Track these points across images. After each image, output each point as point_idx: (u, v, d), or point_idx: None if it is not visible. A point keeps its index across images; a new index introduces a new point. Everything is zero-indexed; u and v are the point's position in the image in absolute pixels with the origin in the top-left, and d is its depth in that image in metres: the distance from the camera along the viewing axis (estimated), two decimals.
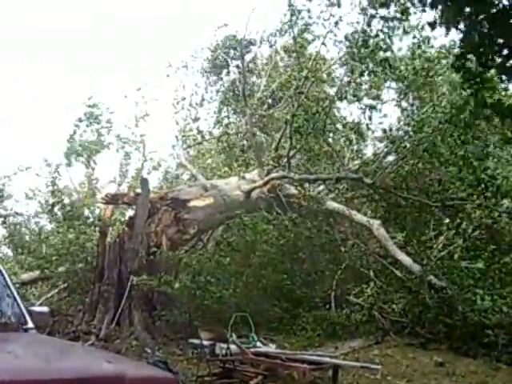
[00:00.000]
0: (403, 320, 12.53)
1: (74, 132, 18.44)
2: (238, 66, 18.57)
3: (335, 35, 14.42)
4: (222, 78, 19.52)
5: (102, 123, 18.82)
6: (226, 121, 19.64)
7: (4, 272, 5.24)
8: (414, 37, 14.40)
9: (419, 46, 14.50)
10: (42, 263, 13.98)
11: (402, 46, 15.07)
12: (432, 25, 6.93)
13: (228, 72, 19.09)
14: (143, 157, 19.44)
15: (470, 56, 6.72)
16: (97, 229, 14.22)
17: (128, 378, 3.62)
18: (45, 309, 5.83)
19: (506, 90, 9.97)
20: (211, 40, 18.62)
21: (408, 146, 14.37)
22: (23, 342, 4.45)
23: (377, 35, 13.02)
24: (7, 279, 5.19)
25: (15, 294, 5.10)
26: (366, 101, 16.17)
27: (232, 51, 18.40)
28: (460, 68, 6.91)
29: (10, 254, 17.57)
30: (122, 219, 15.90)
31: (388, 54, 14.03)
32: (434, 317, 11.92)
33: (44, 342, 4.79)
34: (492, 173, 12.71)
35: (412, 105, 15.33)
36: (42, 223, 17.71)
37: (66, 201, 17.74)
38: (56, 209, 15.74)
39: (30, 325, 4.82)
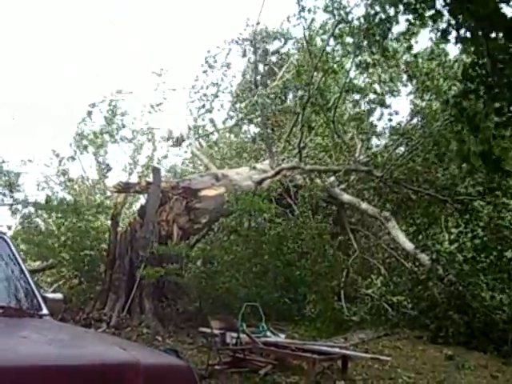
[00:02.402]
0: (413, 312, 12.54)
1: (84, 119, 18.38)
2: (248, 61, 18.60)
3: (347, 26, 14.18)
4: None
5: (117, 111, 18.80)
6: (238, 112, 19.65)
7: (19, 259, 5.26)
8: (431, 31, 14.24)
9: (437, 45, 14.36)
10: (50, 252, 14.00)
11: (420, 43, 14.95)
12: (445, 33, 6.65)
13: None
14: (154, 146, 19.46)
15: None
16: (101, 216, 14.28)
17: (142, 365, 3.61)
18: (59, 295, 5.83)
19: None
20: (228, 34, 18.73)
21: (419, 138, 14.33)
22: (39, 328, 4.47)
23: (380, 23, 12.78)
24: (22, 266, 5.21)
25: (30, 280, 5.12)
26: (376, 93, 16.09)
27: (248, 43, 18.40)
28: (458, 104, 6.68)
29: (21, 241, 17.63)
30: (134, 208, 15.94)
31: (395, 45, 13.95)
32: (443, 311, 11.92)
33: (59, 328, 4.81)
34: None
35: (426, 98, 15.14)
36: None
37: (77, 189, 17.84)
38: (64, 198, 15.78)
39: (45, 311, 4.84)
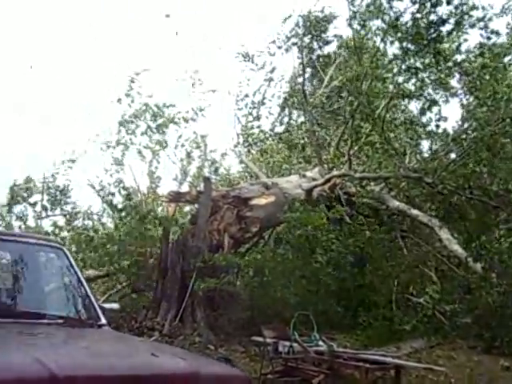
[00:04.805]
0: (467, 322, 12.32)
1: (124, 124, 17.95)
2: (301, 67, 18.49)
3: (396, 31, 13.98)
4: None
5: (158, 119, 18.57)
6: (287, 119, 19.64)
7: (77, 269, 5.37)
8: (481, 28, 14.02)
9: (488, 39, 14.16)
10: (106, 260, 14.17)
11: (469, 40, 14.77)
12: None
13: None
14: (204, 155, 19.40)
15: None
16: (152, 225, 14.39)
17: (202, 375, 3.66)
18: (115, 305, 5.97)
19: None
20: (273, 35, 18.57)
21: (470, 144, 14.13)
22: (99, 338, 4.57)
23: (430, 25, 12.62)
24: (80, 277, 5.31)
25: (88, 290, 5.22)
26: (426, 98, 15.89)
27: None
28: None
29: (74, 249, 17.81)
30: (184, 217, 16.00)
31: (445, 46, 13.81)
32: (498, 320, 11.68)
33: (118, 339, 4.91)
34: None
35: (478, 100, 14.86)
36: (104, 220, 17.92)
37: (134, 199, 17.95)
38: (120, 206, 15.85)
39: (103, 321, 4.94)
